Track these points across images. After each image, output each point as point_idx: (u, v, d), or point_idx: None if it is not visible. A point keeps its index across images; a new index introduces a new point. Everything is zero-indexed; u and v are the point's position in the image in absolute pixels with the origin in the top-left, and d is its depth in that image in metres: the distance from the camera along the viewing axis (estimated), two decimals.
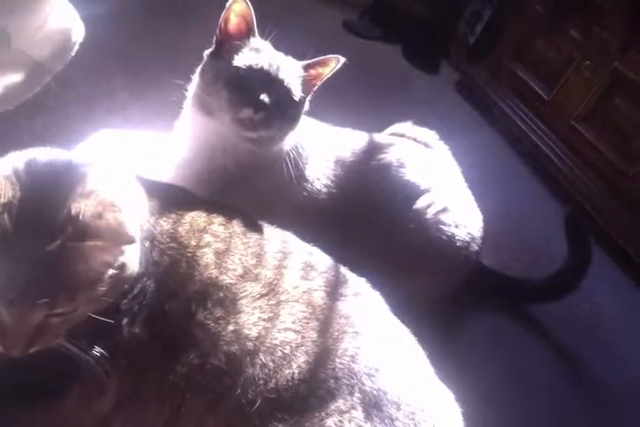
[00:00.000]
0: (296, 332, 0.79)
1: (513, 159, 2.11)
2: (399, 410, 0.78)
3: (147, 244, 0.79)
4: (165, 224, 0.82)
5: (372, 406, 0.77)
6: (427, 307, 1.23)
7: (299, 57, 1.12)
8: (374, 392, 0.78)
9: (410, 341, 0.89)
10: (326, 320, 0.82)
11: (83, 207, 0.66)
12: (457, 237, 1.23)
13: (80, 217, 0.66)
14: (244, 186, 1.16)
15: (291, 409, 0.76)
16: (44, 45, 0.93)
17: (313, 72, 1.11)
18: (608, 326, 1.53)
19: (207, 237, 0.83)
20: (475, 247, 1.27)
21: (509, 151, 2.15)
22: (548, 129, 2.07)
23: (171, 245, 0.81)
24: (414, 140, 1.36)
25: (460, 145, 1.46)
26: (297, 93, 1.09)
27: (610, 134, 1.85)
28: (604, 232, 1.77)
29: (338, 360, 0.79)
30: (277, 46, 1.13)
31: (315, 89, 1.13)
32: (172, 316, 0.78)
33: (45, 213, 0.66)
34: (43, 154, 0.73)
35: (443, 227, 1.22)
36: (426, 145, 1.36)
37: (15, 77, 0.91)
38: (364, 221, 1.20)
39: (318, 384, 0.77)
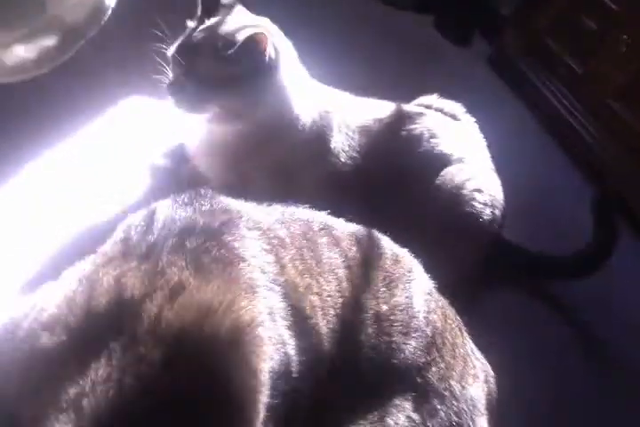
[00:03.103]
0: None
1: (542, 136, 2.07)
2: (443, 404, 0.81)
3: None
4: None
5: (422, 397, 0.81)
6: (446, 283, 1.24)
7: (330, 27, 1.10)
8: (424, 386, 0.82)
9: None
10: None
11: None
12: (483, 216, 1.23)
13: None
14: (265, 155, 1.17)
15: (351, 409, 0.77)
16: (78, 10, 0.94)
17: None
18: (632, 308, 1.50)
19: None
20: (496, 225, 1.27)
21: (539, 127, 2.10)
22: (581, 106, 2.02)
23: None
24: (441, 111, 1.35)
25: (489, 119, 1.44)
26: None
27: None
28: (635, 214, 1.74)
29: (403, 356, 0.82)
30: (308, 18, 1.12)
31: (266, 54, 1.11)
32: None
33: None
34: None
35: (475, 204, 1.22)
36: (453, 117, 1.34)
37: (49, 42, 0.93)
38: (392, 194, 1.20)
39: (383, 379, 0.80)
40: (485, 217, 1.24)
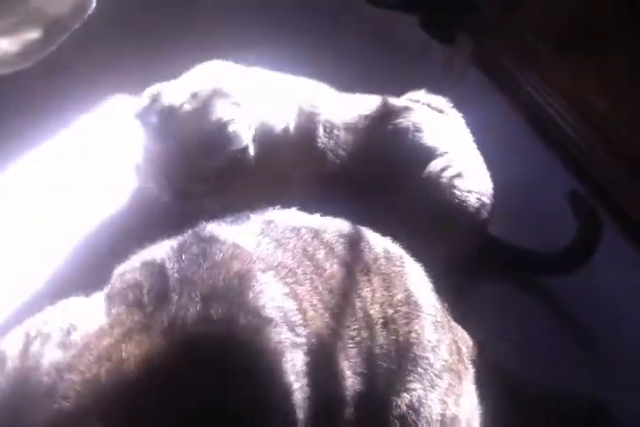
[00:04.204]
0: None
1: (526, 130, 2.08)
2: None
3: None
4: None
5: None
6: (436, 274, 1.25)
7: (314, 27, 1.10)
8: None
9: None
10: None
11: None
12: (468, 203, 1.24)
13: None
14: (262, 162, 1.17)
15: None
16: (62, 2, 0.93)
17: None
18: (620, 304, 1.50)
19: None
20: (484, 214, 1.28)
21: (523, 122, 2.11)
22: (563, 101, 2.05)
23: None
24: (428, 106, 1.35)
25: (474, 116, 1.45)
26: None
27: (627, 109, 1.83)
28: (620, 210, 1.75)
29: None
30: (293, 17, 1.12)
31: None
32: None
33: None
34: None
35: (456, 191, 1.22)
36: (440, 112, 1.35)
37: (32, 35, 0.93)
38: (380, 189, 1.20)
39: None
40: (471, 203, 1.24)
